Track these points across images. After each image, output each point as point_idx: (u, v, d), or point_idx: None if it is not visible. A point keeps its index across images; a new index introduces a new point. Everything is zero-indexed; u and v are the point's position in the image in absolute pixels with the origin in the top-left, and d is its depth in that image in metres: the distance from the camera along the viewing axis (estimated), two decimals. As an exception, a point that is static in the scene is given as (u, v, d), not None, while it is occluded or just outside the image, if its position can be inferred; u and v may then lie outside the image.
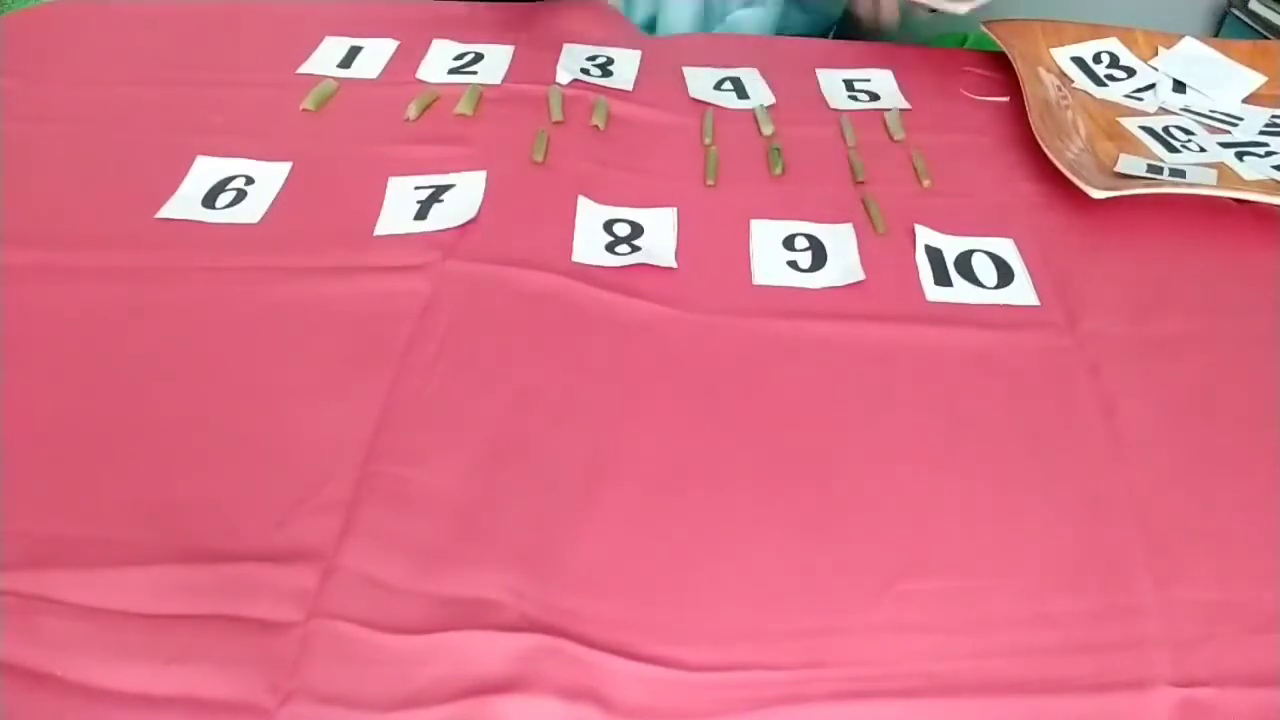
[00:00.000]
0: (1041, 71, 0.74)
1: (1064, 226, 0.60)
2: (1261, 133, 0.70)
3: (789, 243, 0.58)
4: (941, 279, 0.56)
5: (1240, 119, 0.72)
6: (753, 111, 0.70)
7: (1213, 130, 0.71)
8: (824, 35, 0.94)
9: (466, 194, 0.59)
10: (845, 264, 0.56)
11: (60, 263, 0.53)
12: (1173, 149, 0.68)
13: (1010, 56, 0.74)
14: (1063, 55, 0.78)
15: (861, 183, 0.63)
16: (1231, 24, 1.25)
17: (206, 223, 0.56)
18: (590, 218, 0.58)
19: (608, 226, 0.58)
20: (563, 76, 0.71)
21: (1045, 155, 0.63)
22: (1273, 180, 0.64)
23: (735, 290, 0.54)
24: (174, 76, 0.70)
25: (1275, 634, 0.40)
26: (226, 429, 0.45)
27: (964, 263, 0.57)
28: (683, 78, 0.73)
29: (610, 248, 0.56)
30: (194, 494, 0.42)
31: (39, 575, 0.39)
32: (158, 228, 0.56)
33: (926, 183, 0.63)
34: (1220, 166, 0.65)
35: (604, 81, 0.71)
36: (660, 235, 0.58)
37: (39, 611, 0.38)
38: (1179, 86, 0.76)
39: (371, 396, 0.47)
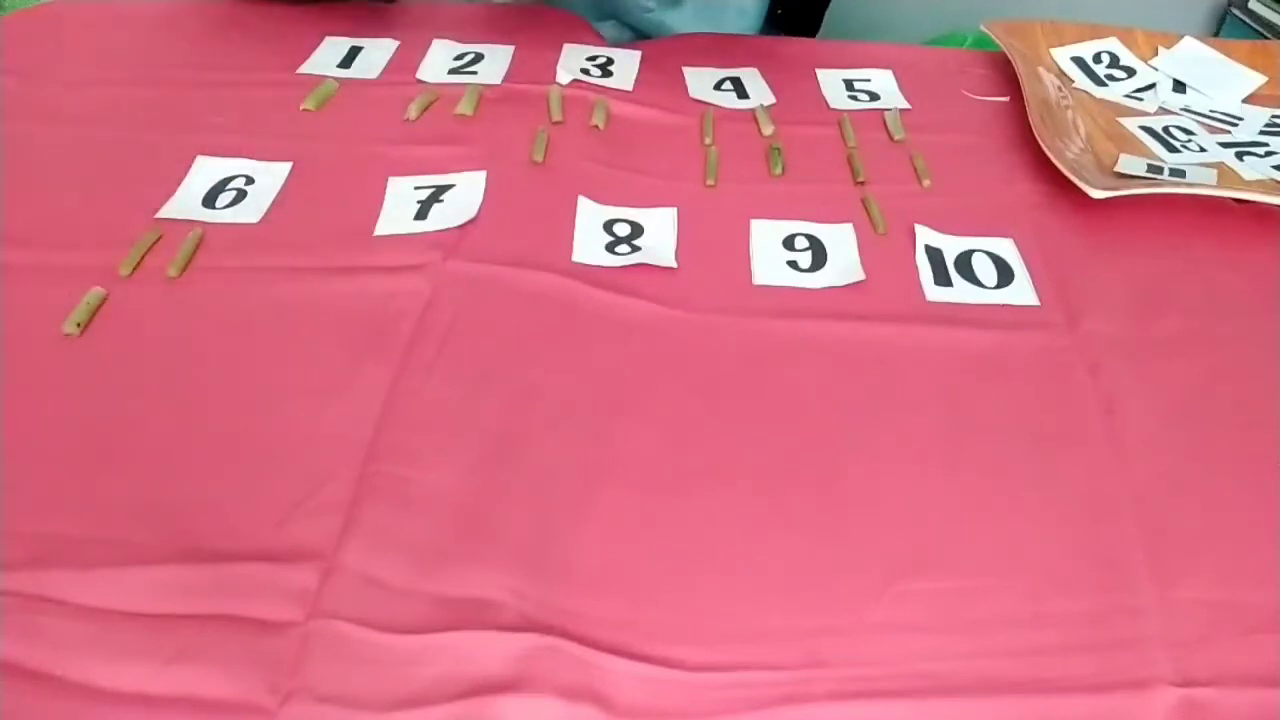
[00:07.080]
0: (1041, 71, 0.74)
1: (1064, 226, 0.60)
2: (1261, 133, 0.70)
3: (789, 243, 0.58)
4: (941, 279, 0.56)
5: (1240, 119, 0.72)
6: (753, 111, 0.70)
7: (1213, 130, 0.71)
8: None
9: (466, 194, 0.59)
10: (845, 264, 0.56)
11: (60, 263, 0.53)
12: (1173, 149, 0.68)
13: (1010, 56, 0.74)
14: (1063, 55, 0.78)
15: (861, 183, 0.63)
16: (1231, 24, 1.25)
17: (206, 223, 0.56)
18: (590, 218, 0.58)
19: (608, 226, 0.58)
20: (563, 76, 0.71)
21: (1045, 155, 0.63)
22: (1273, 180, 0.64)
23: (735, 290, 0.54)
24: (174, 76, 0.70)
25: (1275, 634, 0.40)
26: (227, 429, 0.45)
27: (964, 263, 0.57)
28: (683, 78, 0.73)
29: (610, 248, 0.56)
30: (194, 494, 0.42)
31: (39, 575, 0.39)
32: (157, 228, 0.56)
33: (926, 183, 0.63)
34: (1220, 166, 0.65)
35: (604, 81, 0.71)
36: (660, 235, 0.58)
37: (39, 611, 0.38)
38: (1179, 86, 0.76)
39: (371, 396, 0.47)
